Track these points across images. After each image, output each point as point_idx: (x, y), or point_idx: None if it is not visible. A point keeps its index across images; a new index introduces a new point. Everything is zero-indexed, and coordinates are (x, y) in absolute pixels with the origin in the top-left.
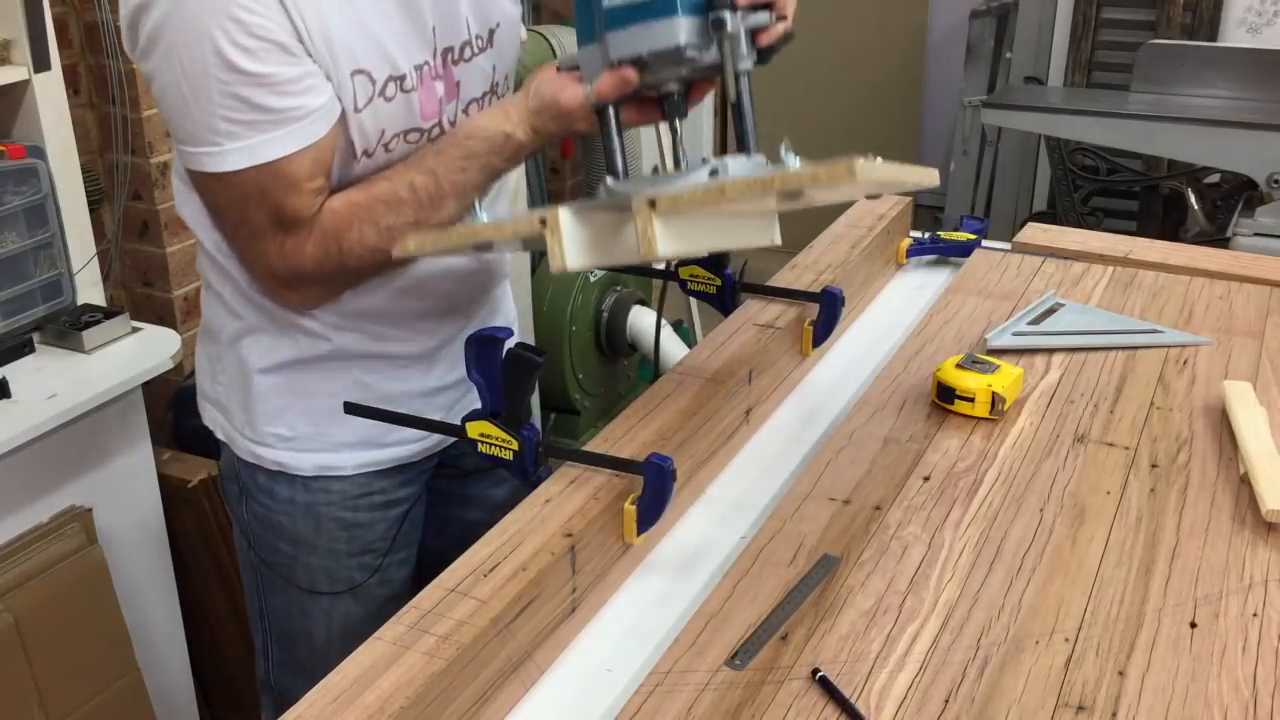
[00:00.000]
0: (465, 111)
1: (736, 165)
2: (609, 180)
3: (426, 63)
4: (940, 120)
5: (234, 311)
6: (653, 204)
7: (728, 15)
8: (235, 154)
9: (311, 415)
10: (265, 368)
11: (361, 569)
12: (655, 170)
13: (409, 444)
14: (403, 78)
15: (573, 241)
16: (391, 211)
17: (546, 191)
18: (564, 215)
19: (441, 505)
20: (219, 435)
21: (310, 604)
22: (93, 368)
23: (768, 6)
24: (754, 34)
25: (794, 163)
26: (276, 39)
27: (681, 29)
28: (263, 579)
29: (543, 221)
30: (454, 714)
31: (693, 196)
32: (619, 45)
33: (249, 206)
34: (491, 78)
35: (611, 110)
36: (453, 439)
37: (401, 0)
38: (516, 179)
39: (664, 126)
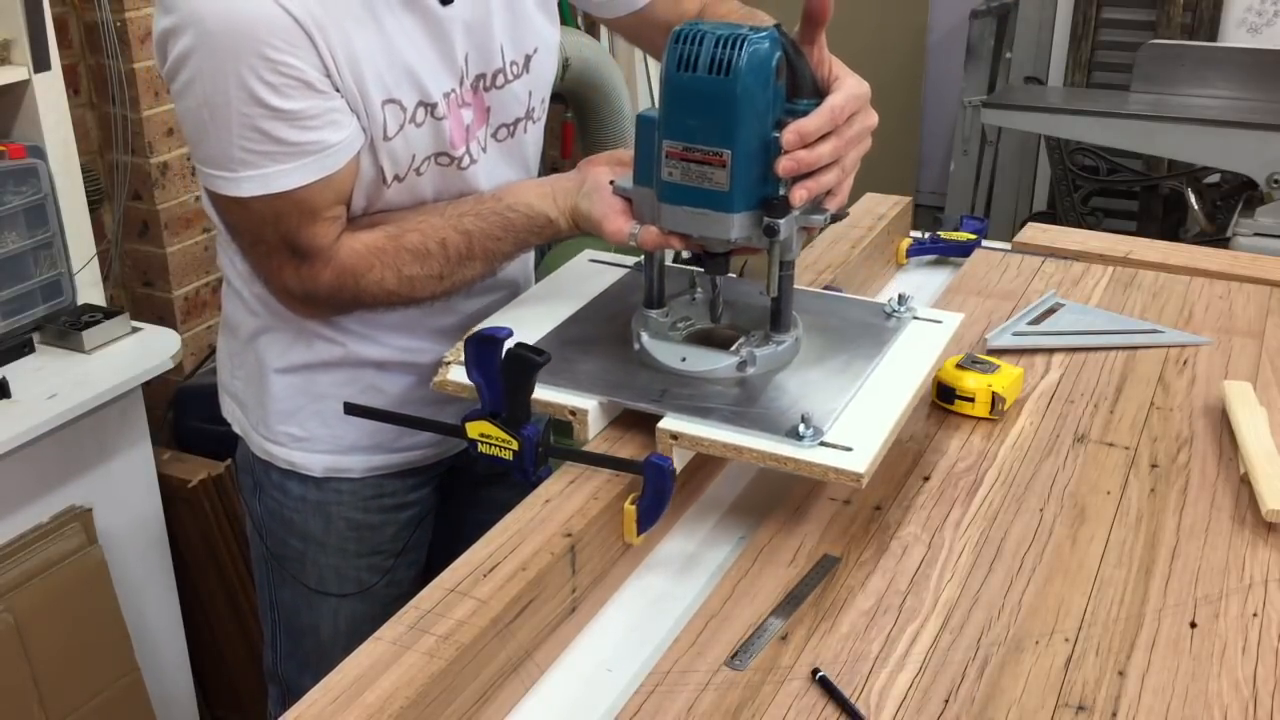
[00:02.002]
0: (495, 136)
1: (764, 355)
2: (644, 336)
3: (454, 90)
4: (940, 120)
5: (252, 310)
6: (675, 437)
7: (781, 223)
8: (249, 181)
9: (324, 416)
10: (281, 368)
11: (371, 570)
12: (692, 284)
13: (420, 449)
14: (434, 105)
15: (595, 432)
16: (418, 263)
17: None
18: (592, 412)
19: (453, 508)
20: (235, 429)
21: (318, 601)
22: (93, 368)
23: (824, 197)
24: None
25: (811, 444)
26: (303, 77)
27: (735, 225)
28: (273, 572)
29: (572, 413)
30: (454, 714)
31: (711, 445)
32: (672, 219)
33: (264, 228)
34: (527, 103)
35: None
36: (465, 444)
37: (431, 29)
38: None
39: None
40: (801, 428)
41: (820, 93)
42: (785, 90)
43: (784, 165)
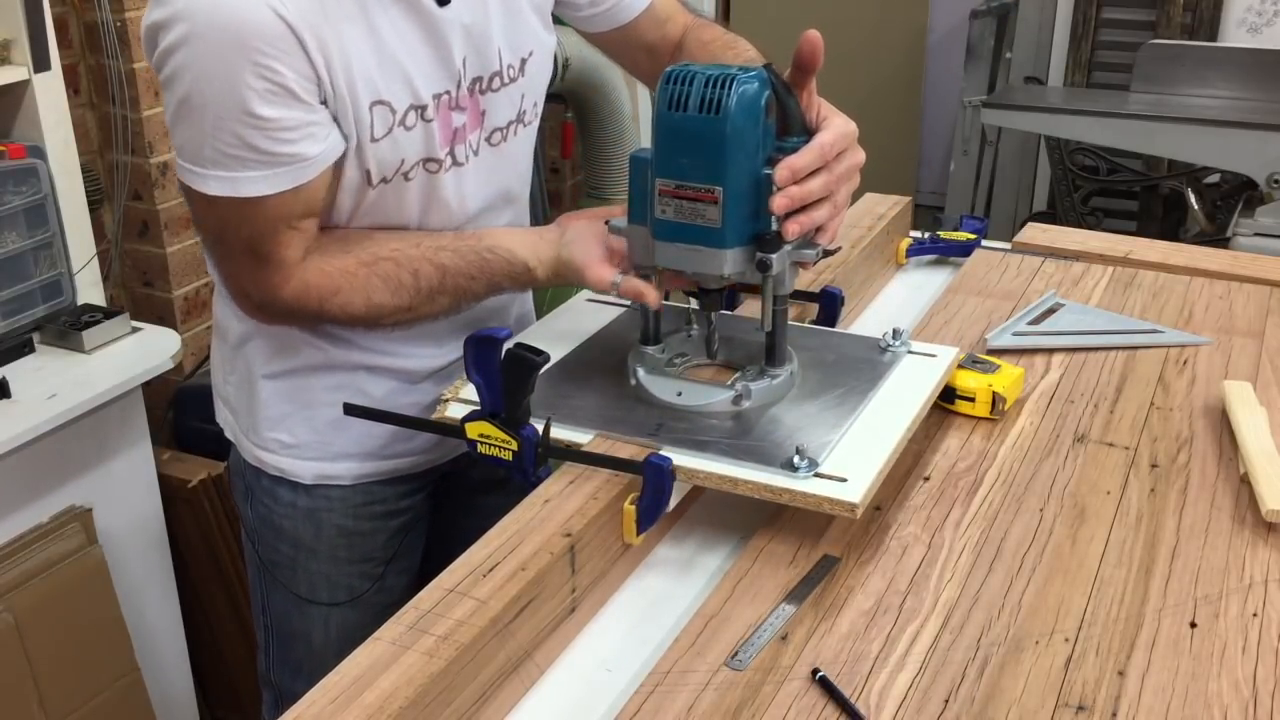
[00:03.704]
0: (489, 140)
1: (759, 389)
2: (640, 371)
3: (447, 92)
4: (940, 120)
5: (239, 315)
6: (671, 472)
7: (774, 258)
8: (217, 181)
9: (313, 423)
10: (270, 373)
11: (361, 577)
12: (688, 321)
13: (410, 456)
14: (424, 108)
15: None
16: (387, 291)
17: (547, 191)
18: (588, 448)
19: (446, 515)
20: (227, 434)
21: (309, 608)
22: (93, 368)
23: (815, 233)
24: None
25: (805, 475)
26: (289, 85)
27: (728, 261)
28: (264, 578)
29: (567, 446)
30: (454, 714)
31: (707, 477)
32: (665, 257)
33: (226, 230)
34: (520, 106)
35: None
36: (456, 453)
37: (426, 29)
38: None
39: None
40: (796, 459)
41: (809, 131)
42: (775, 128)
43: (778, 202)
